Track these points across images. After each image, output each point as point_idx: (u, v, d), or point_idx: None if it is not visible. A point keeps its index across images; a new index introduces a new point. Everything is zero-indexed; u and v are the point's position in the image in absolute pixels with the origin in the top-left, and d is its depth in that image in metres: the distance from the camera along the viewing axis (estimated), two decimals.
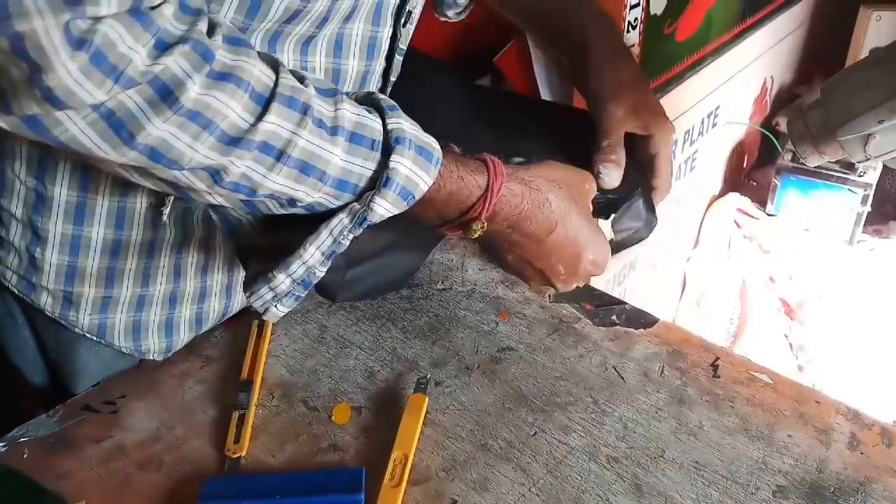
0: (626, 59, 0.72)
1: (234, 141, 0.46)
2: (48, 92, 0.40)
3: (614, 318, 0.76)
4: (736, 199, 1.70)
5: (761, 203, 1.70)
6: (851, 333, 1.62)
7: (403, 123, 0.53)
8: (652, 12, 1.13)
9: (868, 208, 1.57)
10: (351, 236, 0.53)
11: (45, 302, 0.65)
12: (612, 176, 0.68)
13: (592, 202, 0.66)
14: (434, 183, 0.53)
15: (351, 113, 0.51)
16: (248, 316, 0.76)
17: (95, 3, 0.39)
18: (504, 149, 0.61)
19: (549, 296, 0.79)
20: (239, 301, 0.76)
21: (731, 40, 1.46)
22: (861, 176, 1.55)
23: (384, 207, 0.52)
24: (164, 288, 0.68)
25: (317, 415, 0.67)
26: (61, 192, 0.60)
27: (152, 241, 0.64)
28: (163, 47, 0.42)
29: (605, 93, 0.68)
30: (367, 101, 0.54)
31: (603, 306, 0.78)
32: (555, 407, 0.67)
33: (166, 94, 0.43)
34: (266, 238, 0.57)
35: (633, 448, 0.62)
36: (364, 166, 0.51)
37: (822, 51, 1.82)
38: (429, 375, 0.68)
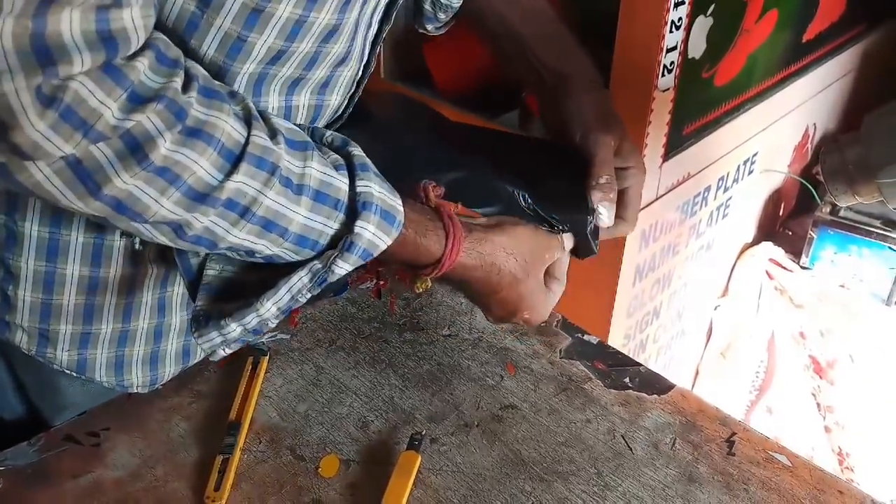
0: (604, 93, 0.70)
1: (200, 197, 0.46)
2: (15, 147, 0.40)
3: (627, 380, 0.72)
4: (769, 249, 1.63)
5: (795, 255, 1.63)
6: (884, 398, 1.54)
7: (372, 186, 0.52)
8: (690, 56, 1.09)
9: None
10: (309, 295, 0.53)
11: (21, 340, 0.62)
12: (610, 215, 0.65)
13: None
14: (393, 242, 0.53)
15: (318, 171, 0.51)
16: (243, 350, 0.74)
17: (69, 63, 0.39)
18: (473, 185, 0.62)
19: (560, 351, 0.75)
20: None
21: (773, 86, 1.41)
22: None
23: (344, 268, 0.52)
24: (147, 323, 0.65)
25: (303, 465, 0.64)
26: (32, 228, 0.57)
27: (133, 277, 0.61)
28: (137, 102, 0.42)
29: (592, 123, 0.66)
30: (340, 151, 0.54)
31: (616, 367, 0.74)
32: (555, 476, 0.62)
33: (136, 150, 0.43)
34: (218, 273, 0.56)
35: None
36: (326, 224, 0.52)
37: (871, 99, 1.75)
38: (424, 431, 0.65)
